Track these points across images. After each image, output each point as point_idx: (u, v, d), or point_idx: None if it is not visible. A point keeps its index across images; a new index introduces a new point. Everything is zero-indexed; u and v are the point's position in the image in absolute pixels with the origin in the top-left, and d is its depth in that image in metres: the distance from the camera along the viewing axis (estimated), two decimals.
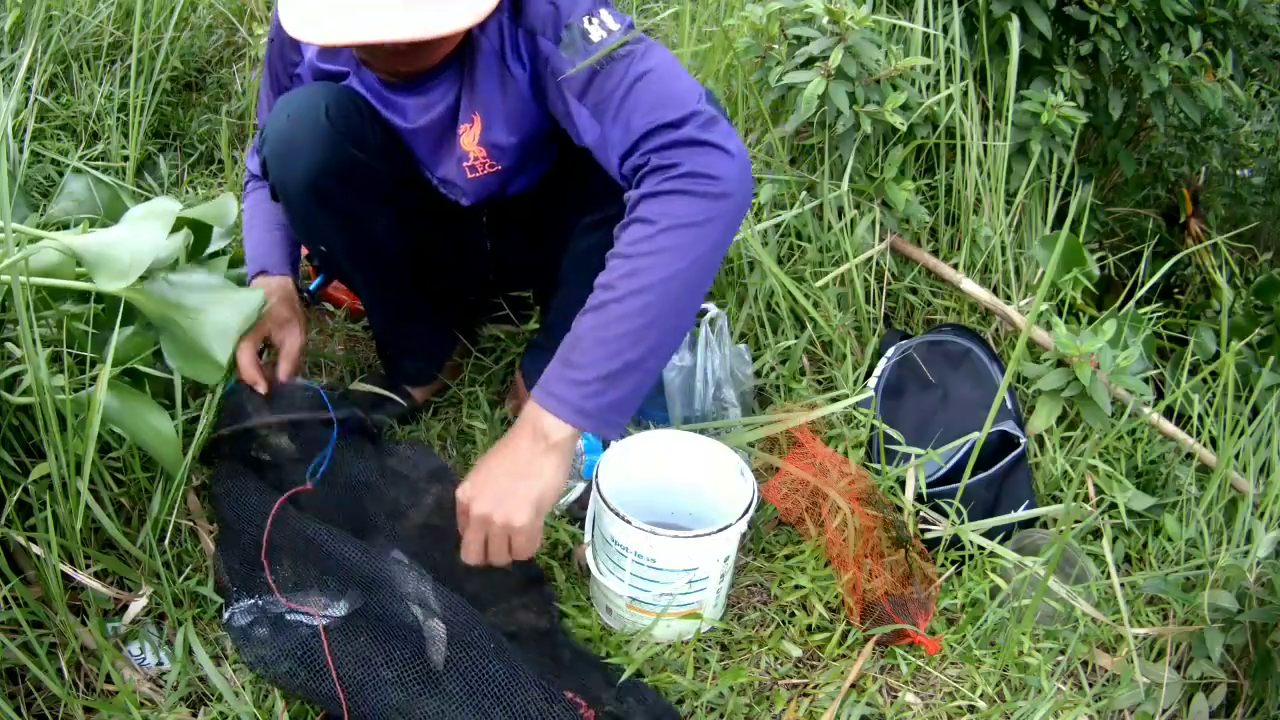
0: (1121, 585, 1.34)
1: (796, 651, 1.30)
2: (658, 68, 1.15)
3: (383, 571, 1.14)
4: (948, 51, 1.81)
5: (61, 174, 1.88)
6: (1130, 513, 1.52)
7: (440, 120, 1.32)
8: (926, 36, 1.82)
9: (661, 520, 1.36)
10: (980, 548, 1.40)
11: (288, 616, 1.13)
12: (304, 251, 1.79)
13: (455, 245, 1.54)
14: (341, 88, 1.31)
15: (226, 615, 1.15)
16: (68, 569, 1.12)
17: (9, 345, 1.20)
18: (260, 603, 1.14)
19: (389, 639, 1.10)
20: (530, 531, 1.10)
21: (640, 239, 1.08)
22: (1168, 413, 1.66)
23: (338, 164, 1.27)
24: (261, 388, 1.32)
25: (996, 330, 1.78)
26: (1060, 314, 1.77)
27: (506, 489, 1.09)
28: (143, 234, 1.17)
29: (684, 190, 1.08)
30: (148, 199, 1.36)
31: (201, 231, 1.39)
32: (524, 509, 1.08)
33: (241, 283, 1.48)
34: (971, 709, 1.26)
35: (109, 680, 1.13)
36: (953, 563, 1.42)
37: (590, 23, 1.16)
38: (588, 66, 1.14)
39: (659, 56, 1.16)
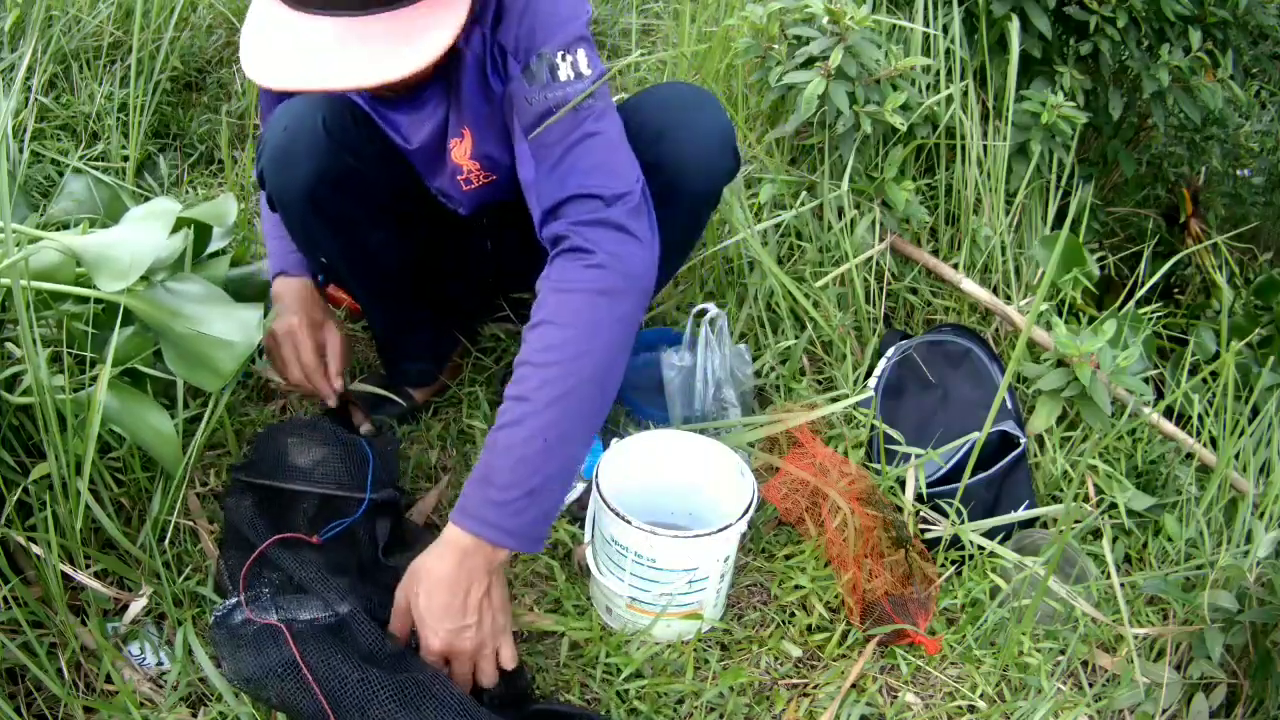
0: (1121, 585, 1.34)
1: (796, 651, 1.30)
2: (607, 132, 1.15)
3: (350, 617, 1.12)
4: (948, 51, 1.81)
5: (61, 174, 1.88)
6: (1130, 513, 1.52)
7: (432, 136, 1.31)
8: (926, 36, 1.82)
9: (661, 520, 1.36)
10: (980, 548, 1.40)
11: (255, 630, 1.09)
12: None
13: (455, 250, 1.54)
14: (339, 98, 1.30)
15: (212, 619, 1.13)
16: (68, 569, 1.12)
17: (9, 345, 1.20)
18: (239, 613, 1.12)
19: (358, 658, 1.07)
20: (504, 638, 1.12)
21: (551, 346, 1.09)
22: (1168, 413, 1.66)
23: (335, 174, 1.27)
24: (332, 401, 1.38)
25: (996, 330, 1.78)
26: (1060, 314, 1.77)
27: (459, 628, 1.08)
28: (143, 234, 1.17)
29: (595, 288, 1.10)
30: (148, 199, 1.36)
31: (201, 232, 1.39)
32: (486, 639, 1.11)
33: (245, 282, 1.49)
34: (971, 709, 1.26)
35: (109, 680, 1.13)
36: (953, 563, 1.42)
37: (563, 59, 1.14)
38: (542, 104, 1.14)
39: (612, 122, 1.16)
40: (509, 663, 1.13)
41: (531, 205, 1.18)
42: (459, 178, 1.34)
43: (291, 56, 1.04)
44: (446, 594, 1.08)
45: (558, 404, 1.08)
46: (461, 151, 1.31)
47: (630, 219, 1.12)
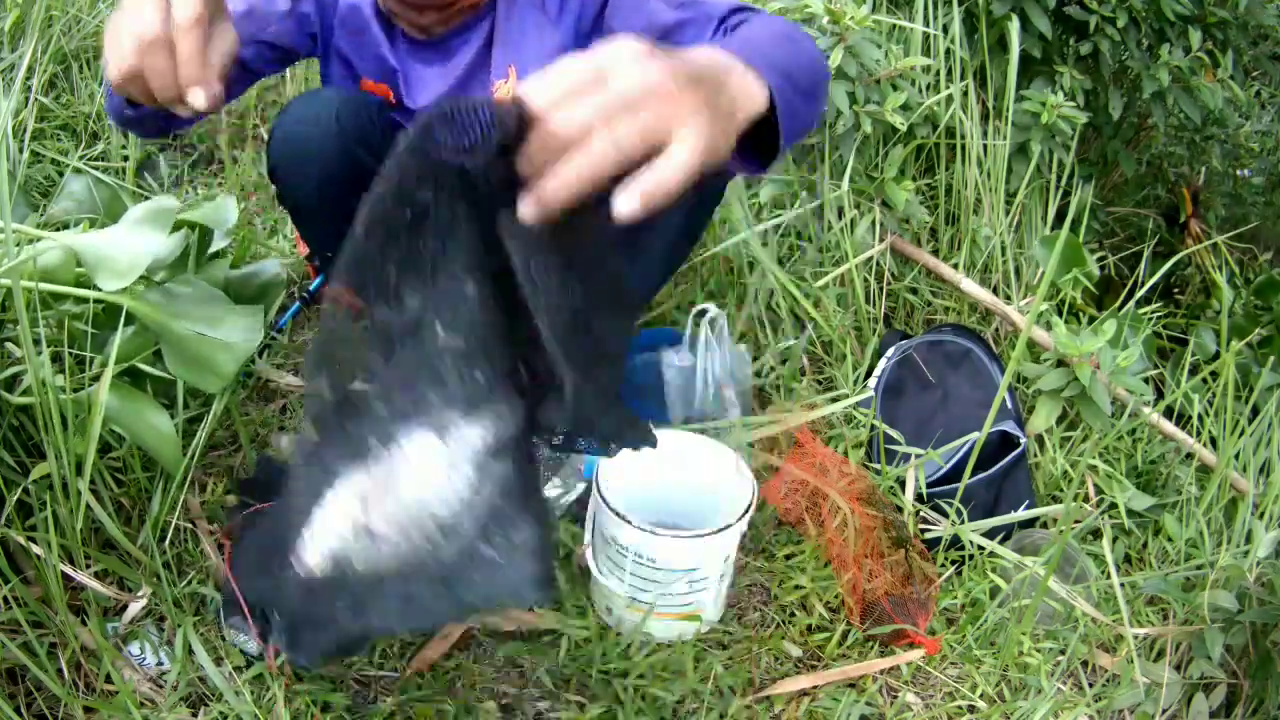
0: (1121, 585, 1.34)
1: (796, 651, 1.30)
2: None
3: None
4: (948, 51, 1.81)
5: (61, 174, 1.88)
6: (1130, 513, 1.52)
7: (469, 83, 1.30)
8: (926, 36, 1.82)
9: (661, 520, 1.36)
10: (980, 548, 1.40)
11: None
12: (302, 251, 1.79)
13: None
14: (355, 93, 1.30)
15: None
16: (68, 569, 1.12)
17: (9, 345, 1.20)
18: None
19: None
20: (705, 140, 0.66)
21: (761, 24, 1.00)
22: (1168, 413, 1.66)
23: (349, 170, 1.26)
24: (202, 103, 0.84)
25: (996, 330, 1.78)
26: (1060, 314, 1.77)
27: (670, 74, 0.65)
28: (143, 234, 1.17)
29: (794, 26, 1.00)
30: (148, 199, 1.35)
31: (202, 233, 1.39)
32: (687, 112, 0.65)
33: (245, 283, 1.49)
34: (971, 709, 1.26)
35: (109, 680, 1.13)
36: (953, 563, 1.42)
37: None
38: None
39: None
40: (689, 161, 0.65)
41: (696, 38, 1.10)
42: None
43: None
44: (674, 58, 0.67)
45: (776, 32, 0.93)
46: (508, 91, 1.29)
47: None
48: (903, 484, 1.47)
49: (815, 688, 1.25)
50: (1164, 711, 1.25)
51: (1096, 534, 1.50)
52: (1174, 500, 1.55)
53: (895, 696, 1.27)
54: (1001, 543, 1.41)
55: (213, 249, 1.46)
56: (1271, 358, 1.77)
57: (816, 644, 1.31)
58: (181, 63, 0.81)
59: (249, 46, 1.26)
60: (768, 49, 0.85)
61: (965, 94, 1.80)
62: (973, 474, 1.42)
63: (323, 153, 1.24)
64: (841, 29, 1.66)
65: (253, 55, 1.28)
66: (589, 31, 1.23)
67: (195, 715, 1.12)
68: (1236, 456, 1.56)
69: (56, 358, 1.17)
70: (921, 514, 1.44)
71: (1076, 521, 1.47)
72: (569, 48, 1.25)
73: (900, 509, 1.43)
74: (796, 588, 1.37)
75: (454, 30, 1.27)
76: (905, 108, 1.72)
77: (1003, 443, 1.49)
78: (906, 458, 1.49)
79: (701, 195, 1.33)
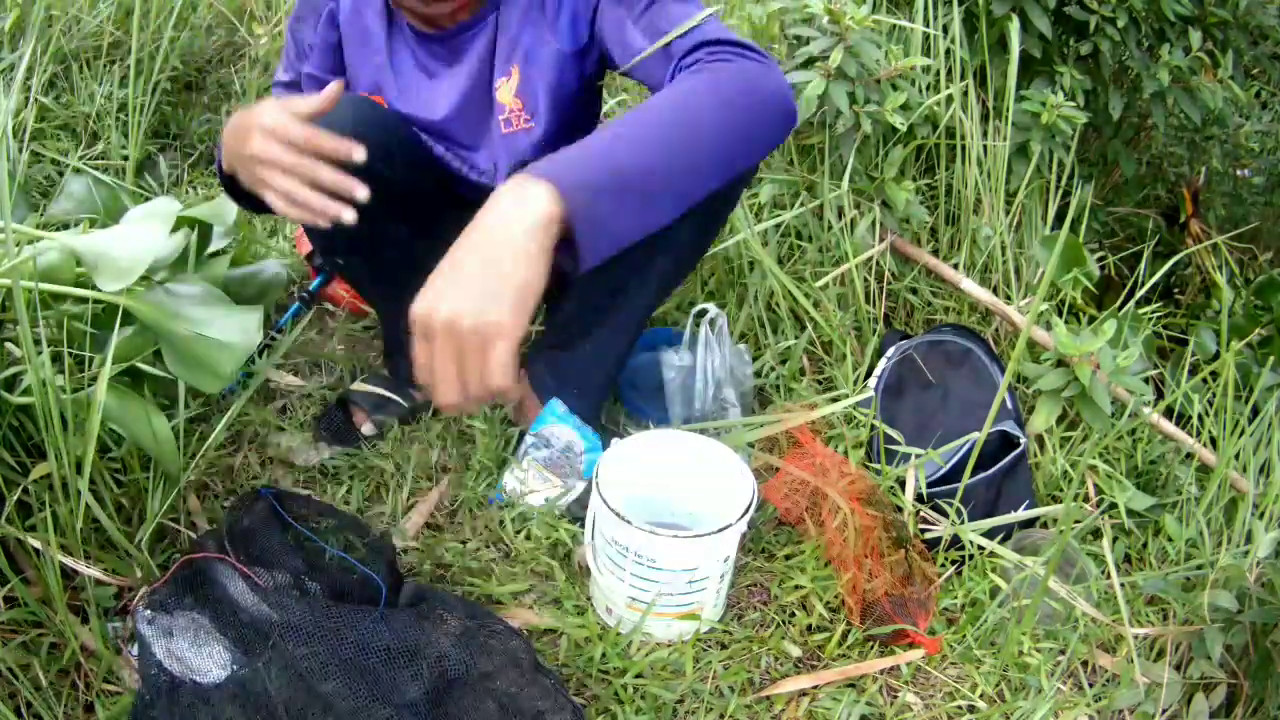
0: (1121, 585, 1.34)
1: (796, 651, 1.30)
2: (703, 9, 1.17)
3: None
4: (948, 51, 1.81)
5: (61, 174, 1.88)
6: (1130, 513, 1.52)
7: (474, 84, 1.31)
8: (926, 36, 1.82)
9: (661, 520, 1.36)
10: (980, 548, 1.40)
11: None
12: (302, 251, 1.79)
13: None
14: (364, 99, 1.30)
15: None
16: (70, 560, 1.12)
17: (9, 345, 1.20)
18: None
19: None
20: (513, 334, 0.87)
21: (690, 85, 1.04)
22: (1168, 413, 1.66)
23: (361, 178, 1.26)
24: (360, 155, 1.03)
25: (996, 330, 1.78)
26: (1060, 314, 1.77)
27: (478, 278, 0.87)
28: (143, 234, 1.17)
29: (746, 66, 1.06)
30: (148, 199, 1.36)
31: (202, 232, 1.39)
32: (503, 301, 0.86)
33: (245, 283, 1.49)
34: (971, 709, 1.26)
35: (109, 680, 1.13)
36: (953, 563, 1.42)
37: None
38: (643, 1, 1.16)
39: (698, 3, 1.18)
40: (499, 374, 0.88)
41: (655, 70, 1.16)
42: (501, 118, 1.33)
43: None
44: (484, 243, 0.88)
45: (687, 122, 1.00)
46: (508, 90, 1.30)
47: (762, 57, 1.11)
48: (903, 484, 1.47)
49: (815, 688, 1.25)
50: (1164, 711, 1.25)
51: (1096, 534, 1.50)
52: (1174, 500, 1.55)
53: (895, 696, 1.27)
54: (1001, 543, 1.41)
55: (212, 248, 1.46)
56: (1271, 358, 1.77)
57: (816, 644, 1.31)
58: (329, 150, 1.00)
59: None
60: (652, 135, 0.97)
61: (965, 94, 1.80)
62: (973, 474, 1.42)
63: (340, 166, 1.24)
64: (841, 29, 1.66)
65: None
66: (585, 33, 1.24)
67: None
68: (1236, 456, 1.55)
69: (56, 358, 1.17)
70: (921, 514, 1.44)
71: (1076, 521, 1.47)
72: (565, 49, 1.25)
73: (900, 509, 1.43)
74: (796, 588, 1.37)
75: (461, 26, 1.28)
76: (905, 108, 1.72)
77: (1003, 443, 1.49)
78: (906, 458, 1.49)
79: (711, 207, 1.34)
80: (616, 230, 0.96)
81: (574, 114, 1.35)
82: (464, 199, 1.43)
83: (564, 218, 0.90)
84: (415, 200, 1.36)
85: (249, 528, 1.17)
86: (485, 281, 0.87)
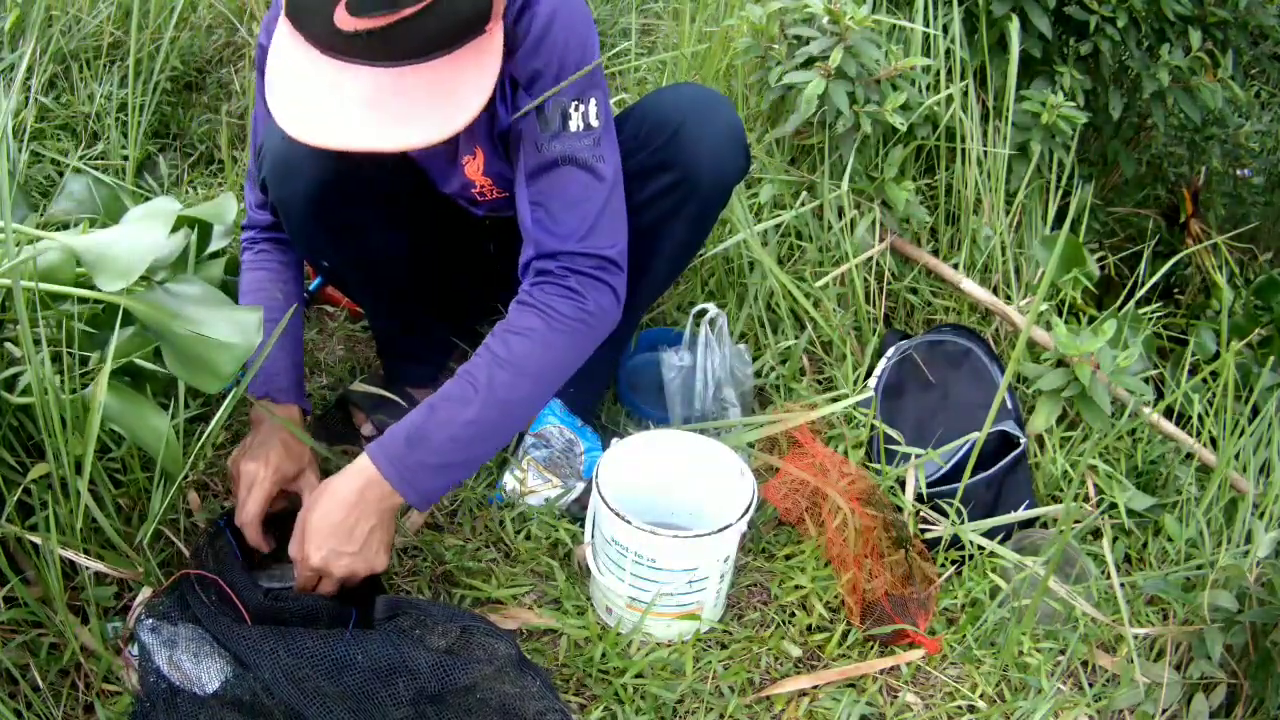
0: (1121, 585, 1.34)
1: (796, 651, 1.30)
2: (608, 195, 1.20)
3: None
4: (948, 51, 1.81)
5: (61, 174, 1.88)
6: (1130, 513, 1.52)
7: (443, 151, 1.32)
8: (926, 36, 1.82)
9: (661, 520, 1.36)
10: (980, 548, 1.40)
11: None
12: None
13: (458, 253, 1.54)
14: None
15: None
16: (72, 554, 1.12)
17: (9, 345, 1.20)
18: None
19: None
20: (378, 569, 1.18)
21: (517, 355, 1.17)
22: (1168, 413, 1.66)
23: (339, 181, 1.26)
24: (258, 543, 1.23)
25: (996, 330, 1.78)
26: (1060, 314, 1.77)
27: (340, 550, 1.14)
28: (143, 234, 1.17)
29: (575, 327, 1.19)
30: (148, 199, 1.35)
31: (202, 231, 1.38)
32: (360, 567, 1.16)
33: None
34: (971, 709, 1.26)
35: (109, 680, 1.13)
36: (953, 563, 1.42)
37: (575, 109, 1.18)
38: (550, 153, 1.18)
39: (614, 183, 1.21)
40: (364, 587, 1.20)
41: (525, 241, 1.22)
42: (472, 191, 1.36)
43: (331, 112, 1.01)
44: (341, 514, 1.14)
45: (503, 407, 1.17)
46: (475, 168, 1.32)
47: (618, 282, 1.22)
48: (903, 484, 1.47)
49: (815, 688, 1.25)
50: (1164, 711, 1.25)
51: (1096, 534, 1.50)
52: (1174, 500, 1.55)
53: (895, 696, 1.27)
54: (1001, 543, 1.41)
55: (212, 248, 1.45)
56: (1271, 358, 1.78)
57: (816, 644, 1.31)
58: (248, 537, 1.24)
59: None
60: (480, 429, 1.16)
61: (965, 94, 1.80)
62: (973, 474, 1.42)
63: (313, 164, 1.24)
64: (841, 29, 1.66)
65: None
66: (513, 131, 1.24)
67: None
68: (1236, 456, 1.56)
69: (56, 358, 1.17)
70: (921, 514, 1.44)
71: (1076, 521, 1.47)
72: (510, 129, 1.26)
73: (900, 509, 1.43)
74: (796, 588, 1.37)
75: None
76: (905, 108, 1.72)
77: (1003, 443, 1.49)
78: (906, 458, 1.49)
79: (703, 205, 1.34)
80: (447, 490, 1.22)
81: None
82: (446, 200, 1.43)
83: (401, 500, 1.16)
84: (396, 199, 1.36)
85: (216, 559, 1.18)
86: (346, 553, 1.15)
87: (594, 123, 1.19)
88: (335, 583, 1.16)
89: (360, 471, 1.15)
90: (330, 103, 1.01)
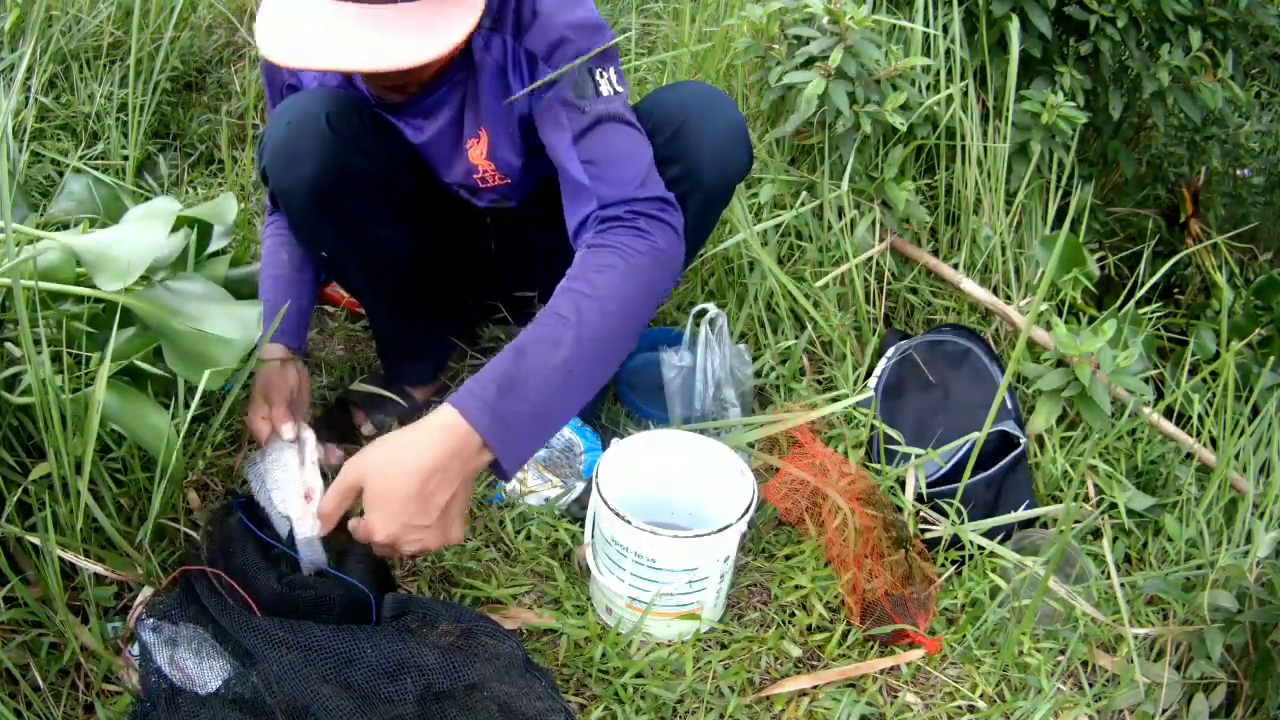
0: (1121, 585, 1.34)
1: (796, 651, 1.30)
2: (646, 147, 1.23)
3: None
4: (948, 51, 1.81)
5: (61, 174, 1.88)
6: (1130, 513, 1.52)
7: (447, 135, 1.33)
8: (926, 36, 1.82)
9: (661, 520, 1.36)
10: (980, 548, 1.40)
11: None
12: None
13: (459, 249, 1.54)
14: (344, 94, 1.30)
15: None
16: (72, 556, 1.12)
17: (9, 345, 1.20)
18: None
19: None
20: (450, 539, 1.08)
21: (610, 286, 1.12)
22: (1168, 413, 1.66)
23: (340, 171, 1.27)
24: (290, 434, 1.22)
25: (996, 330, 1.78)
26: (1060, 314, 1.77)
27: (413, 524, 1.04)
28: (143, 234, 1.17)
29: (651, 261, 1.16)
30: (148, 199, 1.35)
31: (202, 231, 1.38)
32: (433, 543, 1.06)
33: (245, 281, 1.48)
34: (971, 709, 1.26)
35: (109, 680, 1.13)
36: (953, 563, 1.42)
37: (601, 75, 1.23)
38: (594, 113, 1.20)
39: (646, 138, 1.24)
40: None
41: (580, 200, 1.22)
42: (475, 175, 1.36)
43: (310, 37, 1.07)
44: (416, 483, 1.02)
45: (595, 345, 1.10)
46: (479, 152, 1.33)
47: (678, 221, 1.21)
48: (903, 484, 1.47)
49: (815, 688, 1.25)
50: (1164, 711, 1.25)
51: (1096, 534, 1.50)
52: (1174, 500, 1.55)
53: (895, 696, 1.27)
54: (1001, 543, 1.41)
55: (212, 248, 1.45)
56: (1271, 358, 1.77)
57: (816, 644, 1.31)
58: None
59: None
60: (539, 365, 1.06)
61: (965, 94, 1.80)
62: (973, 474, 1.42)
63: (314, 154, 1.25)
64: (841, 29, 1.66)
65: None
66: (538, 109, 1.26)
67: None
68: (1236, 456, 1.56)
69: (56, 357, 1.17)
70: (921, 514, 1.44)
71: (1076, 521, 1.47)
72: (524, 114, 1.29)
73: (900, 509, 1.43)
74: (796, 588, 1.37)
75: (425, 92, 1.30)
76: (905, 108, 1.72)
77: (1003, 443, 1.49)
78: (906, 458, 1.49)
79: (705, 201, 1.34)
80: (532, 450, 1.11)
81: (548, 163, 1.36)
82: (448, 193, 1.43)
83: (486, 462, 1.07)
84: (397, 190, 1.36)
85: (226, 538, 1.17)
86: (416, 529, 1.05)
87: (619, 88, 1.24)
88: (399, 556, 1.10)
89: (442, 428, 1.03)
90: (321, 32, 1.07)
